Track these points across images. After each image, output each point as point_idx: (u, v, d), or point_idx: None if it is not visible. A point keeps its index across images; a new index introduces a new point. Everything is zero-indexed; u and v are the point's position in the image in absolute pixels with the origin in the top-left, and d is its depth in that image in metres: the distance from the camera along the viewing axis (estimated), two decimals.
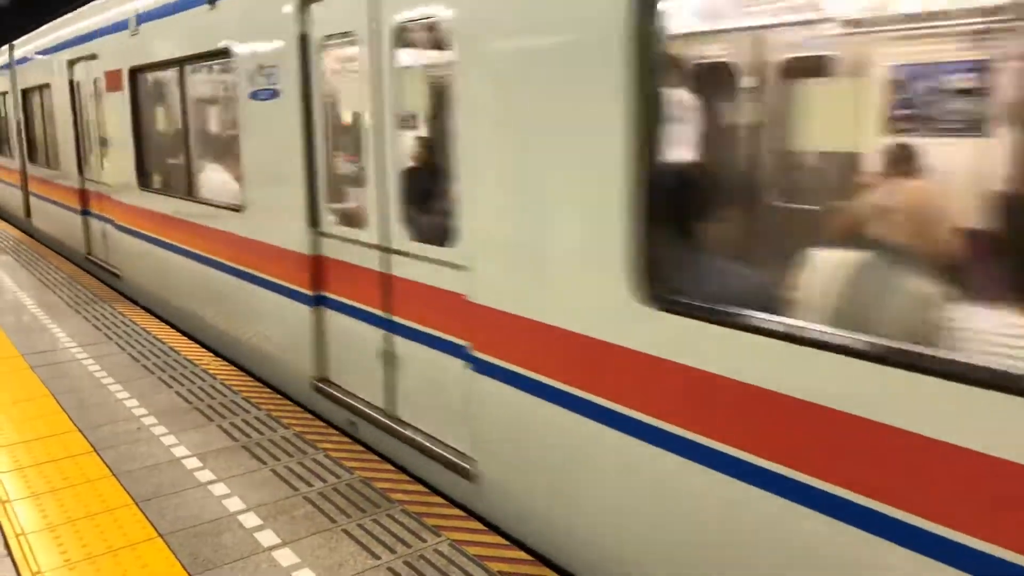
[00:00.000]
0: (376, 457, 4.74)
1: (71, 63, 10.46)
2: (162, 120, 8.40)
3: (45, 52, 11.91)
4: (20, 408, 5.53)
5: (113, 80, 8.87)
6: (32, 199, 14.11)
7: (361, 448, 4.85)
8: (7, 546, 3.78)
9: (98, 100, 9.63)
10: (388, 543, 3.76)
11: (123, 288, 9.42)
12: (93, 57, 9.57)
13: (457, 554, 3.66)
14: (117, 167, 9.24)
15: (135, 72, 8.35)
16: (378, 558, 3.64)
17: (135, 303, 8.74)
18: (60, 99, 11.11)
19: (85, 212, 10.80)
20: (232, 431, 5.08)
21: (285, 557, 3.64)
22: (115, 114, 8.97)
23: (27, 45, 13.22)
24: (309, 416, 5.38)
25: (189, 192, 7.45)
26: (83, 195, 10.74)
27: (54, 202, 12.31)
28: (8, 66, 14.60)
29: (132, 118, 8.53)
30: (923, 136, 2.80)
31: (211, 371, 6.28)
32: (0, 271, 10.56)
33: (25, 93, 13.63)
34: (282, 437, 4.98)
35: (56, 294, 9.09)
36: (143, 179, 8.57)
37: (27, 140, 13.89)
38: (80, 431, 5.10)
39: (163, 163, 8.45)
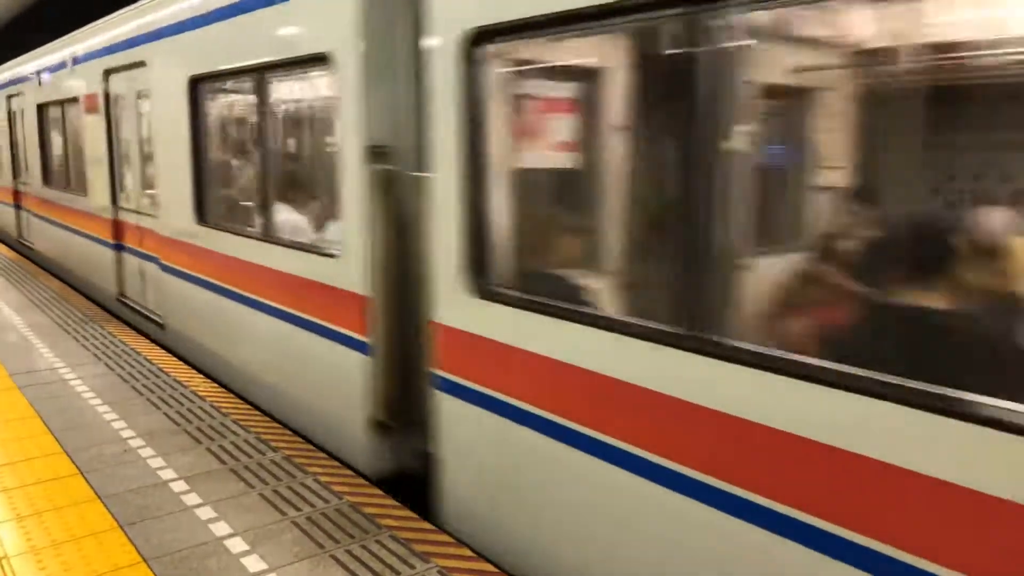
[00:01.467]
0: (365, 482, 4.70)
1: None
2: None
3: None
4: (6, 428, 5.47)
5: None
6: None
7: (350, 472, 4.81)
8: None
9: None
10: (376, 569, 3.72)
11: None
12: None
13: None
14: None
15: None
16: None
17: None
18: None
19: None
20: (220, 454, 5.04)
21: None
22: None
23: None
24: (299, 439, 5.33)
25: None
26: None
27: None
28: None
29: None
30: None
31: (200, 393, 6.23)
32: None
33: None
34: (271, 460, 4.94)
35: (45, 313, 9.03)
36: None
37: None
38: (66, 453, 5.04)
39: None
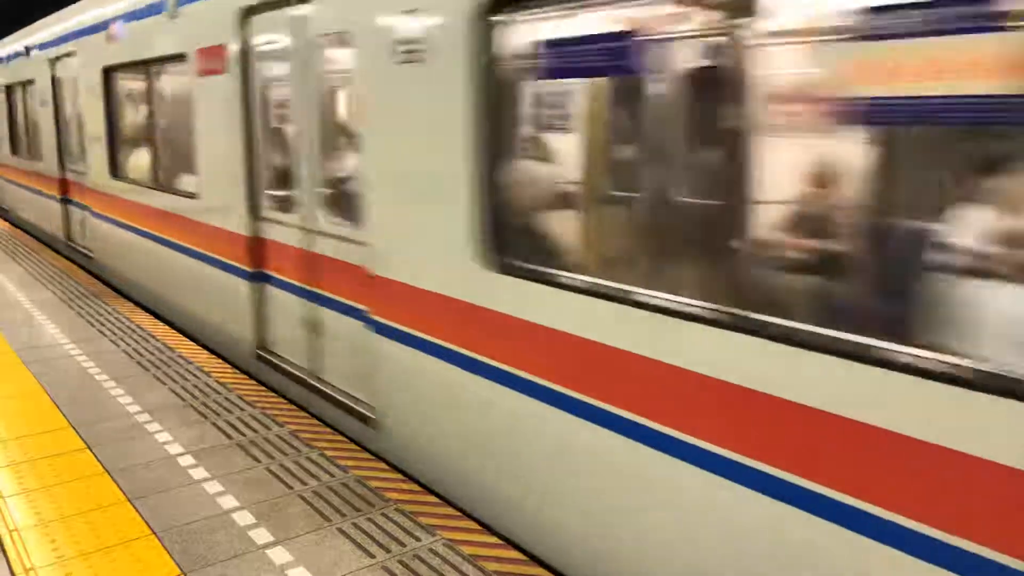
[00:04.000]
0: (370, 455, 4.73)
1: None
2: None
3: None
4: (13, 404, 5.51)
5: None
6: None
7: (356, 447, 4.85)
8: (0, 543, 3.76)
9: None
10: (383, 542, 3.76)
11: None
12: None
13: (452, 553, 3.66)
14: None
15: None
16: (373, 557, 3.64)
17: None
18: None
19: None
20: (227, 429, 5.07)
21: (279, 555, 3.64)
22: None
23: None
24: (305, 415, 5.37)
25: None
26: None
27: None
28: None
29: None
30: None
31: (206, 369, 6.26)
32: None
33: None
34: (277, 435, 4.97)
35: (49, 289, 9.05)
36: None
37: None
38: (74, 428, 5.08)
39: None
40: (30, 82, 12.44)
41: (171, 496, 4.19)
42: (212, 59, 6.23)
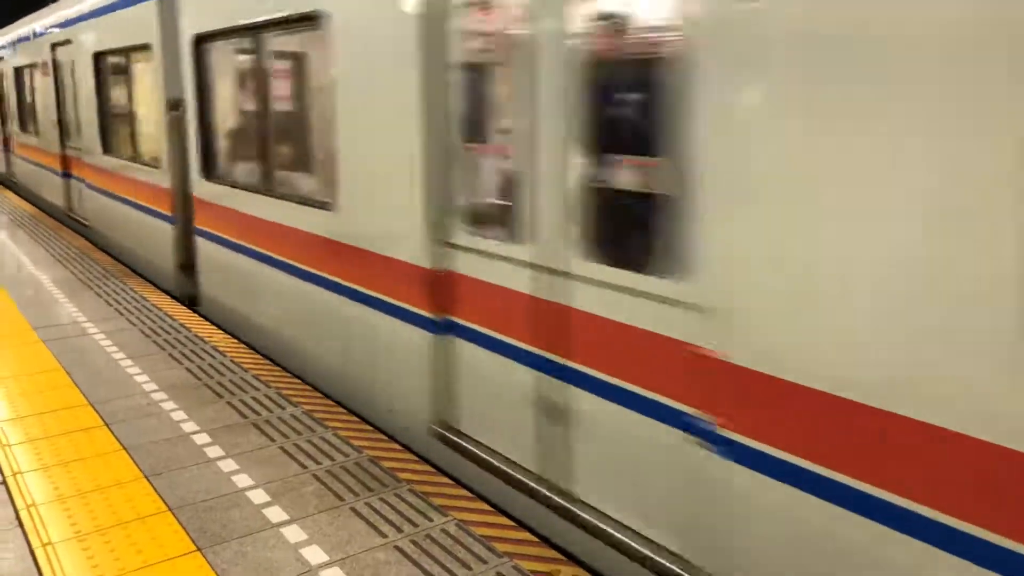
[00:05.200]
0: (384, 436, 4.75)
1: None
2: None
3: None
4: (32, 381, 5.57)
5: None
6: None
7: (370, 428, 4.86)
8: (18, 517, 3.81)
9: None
10: (395, 522, 3.78)
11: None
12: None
13: (464, 534, 3.67)
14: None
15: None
16: (385, 536, 3.66)
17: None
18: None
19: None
20: (242, 408, 5.11)
21: (293, 533, 3.67)
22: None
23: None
24: (319, 395, 5.39)
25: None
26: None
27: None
28: None
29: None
30: None
31: (221, 348, 6.30)
32: (13, 246, 10.62)
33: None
34: (291, 415, 5.00)
35: (68, 269, 9.13)
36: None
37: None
38: (91, 405, 5.13)
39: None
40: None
41: (187, 474, 4.23)
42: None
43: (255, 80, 6.29)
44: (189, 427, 4.81)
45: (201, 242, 7.54)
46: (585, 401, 3.51)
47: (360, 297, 4.97)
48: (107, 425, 4.83)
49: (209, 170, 7.19)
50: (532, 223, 3.65)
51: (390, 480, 4.18)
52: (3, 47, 17.18)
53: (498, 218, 3.95)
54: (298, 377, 5.71)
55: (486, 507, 3.95)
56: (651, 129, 3.07)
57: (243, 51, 6.45)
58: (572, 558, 3.60)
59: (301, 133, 5.95)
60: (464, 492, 4.08)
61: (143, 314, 7.26)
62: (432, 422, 4.45)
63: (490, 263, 3.97)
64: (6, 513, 3.85)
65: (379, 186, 4.68)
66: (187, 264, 7.97)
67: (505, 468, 3.97)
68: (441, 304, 4.31)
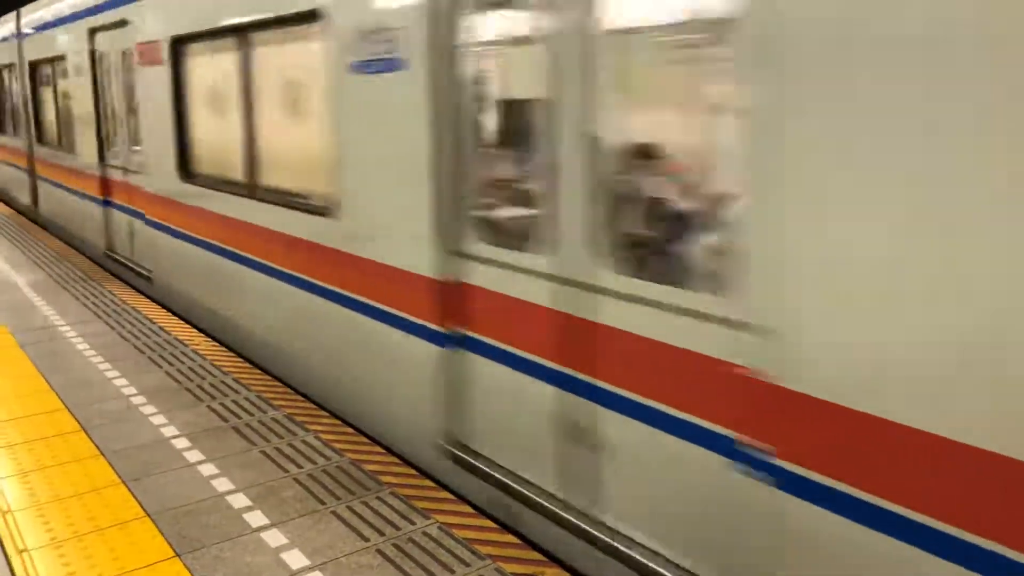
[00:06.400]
0: (366, 439, 4.73)
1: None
2: None
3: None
4: (8, 385, 5.49)
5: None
6: None
7: (352, 431, 4.84)
8: None
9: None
10: (377, 525, 3.76)
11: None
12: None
13: (446, 537, 3.66)
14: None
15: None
16: (367, 540, 3.64)
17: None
18: None
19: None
20: (222, 411, 5.06)
21: (273, 538, 3.64)
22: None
23: None
24: (300, 398, 5.36)
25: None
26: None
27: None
28: None
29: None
30: None
31: (201, 352, 6.25)
32: None
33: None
34: (272, 418, 4.97)
35: (45, 271, 9.02)
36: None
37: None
38: (69, 409, 5.07)
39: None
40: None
41: (166, 478, 4.19)
42: None
43: None
44: (169, 431, 4.76)
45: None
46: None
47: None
48: (85, 430, 4.77)
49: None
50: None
51: (372, 483, 4.16)
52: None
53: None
54: (279, 380, 5.68)
55: (468, 510, 3.94)
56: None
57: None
58: (568, 569, 3.59)
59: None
60: (447, 495, 4.07)
61: (121, 316, 7.18)
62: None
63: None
64: None
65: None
66: None
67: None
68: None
